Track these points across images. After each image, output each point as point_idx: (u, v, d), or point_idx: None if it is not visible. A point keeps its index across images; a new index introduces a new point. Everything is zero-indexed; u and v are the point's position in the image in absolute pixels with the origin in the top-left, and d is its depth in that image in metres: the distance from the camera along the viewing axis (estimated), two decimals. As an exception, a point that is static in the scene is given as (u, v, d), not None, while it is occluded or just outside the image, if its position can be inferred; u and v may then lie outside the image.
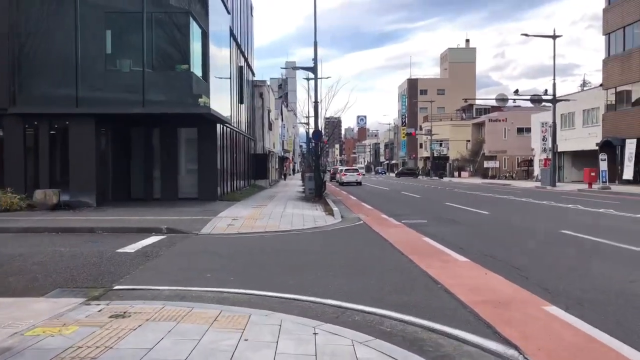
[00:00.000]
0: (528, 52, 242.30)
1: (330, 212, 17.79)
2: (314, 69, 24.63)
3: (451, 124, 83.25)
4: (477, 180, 56.31)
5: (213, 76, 19.90)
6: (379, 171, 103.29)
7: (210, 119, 20.73)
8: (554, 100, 37.37)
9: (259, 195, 27.74)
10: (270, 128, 44.56)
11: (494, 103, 76.08)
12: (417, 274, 7.56)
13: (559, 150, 48.24)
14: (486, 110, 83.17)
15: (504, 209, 19.25)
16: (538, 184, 42.57)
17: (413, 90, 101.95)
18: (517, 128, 63.30)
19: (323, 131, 24.69)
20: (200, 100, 18.04)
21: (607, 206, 19.28)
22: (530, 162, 59.38)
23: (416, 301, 5.98)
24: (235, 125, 28.30)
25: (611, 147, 36.99)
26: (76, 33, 18.05)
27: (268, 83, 43.00)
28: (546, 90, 37.46)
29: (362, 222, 15.30)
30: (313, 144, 24.68)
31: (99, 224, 13.57)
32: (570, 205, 20.14)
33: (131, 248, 9.94)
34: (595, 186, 32.54)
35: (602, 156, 31.70)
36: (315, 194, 24.18)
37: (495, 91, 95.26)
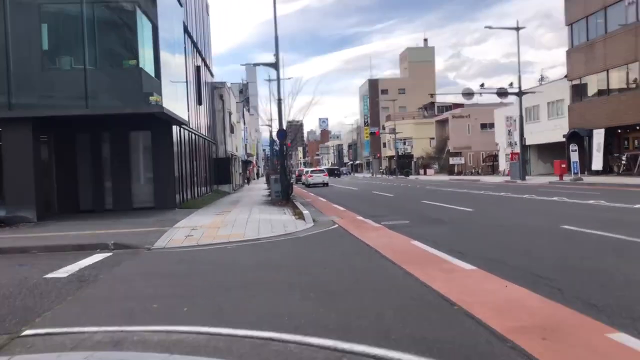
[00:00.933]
0: (482, 51, 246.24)
1: (300, 215, 16.22)
2: (275, 65, 23.04)
3: (414, 122, 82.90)
4: (444, 177, 55.65)
5: (166, 73, 18.08)
6: (344, 172, 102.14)
7: (165, 120, 18.91)
8: (520, 93, 36.77)
9: (222, 201, 25.95)
10: (232, 131, 42.70)
11: (455, 100, 76.33)
12: (421, 291, 6.06)
13: (525, 143, 48.03)
14: (448, 107, 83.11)
15: (487, 205, 18.04)
16: (507, 178, 41.96)
17: (374, 90, 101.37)
18: (481, 124, 63.08)
19: (287, 131, 23.21)
20: (151, 98, 16.22)
21: (592, 197, 18.30)
22: (495, 157, 59.13)
23: (434, 334, 4.47)
24: (193, 128, 26.44)
25: (578, 138, 36.59)
26: (6, 28, 15.98)
27: (229, 85, 41.19)
28: (511, 83, 36.81)
29: (337, 225, 13.79)
30: (277, 145, 23.10)
31: (34, 242, 11.65)
32: (555, 198, 19.10)
33: (65, 271, 8.15)
34: (566, 178, 31.93)
35: (573, 147, 31.09)
36: (282, 197, 22.58)
37: (452, 90, 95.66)
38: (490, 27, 36.08)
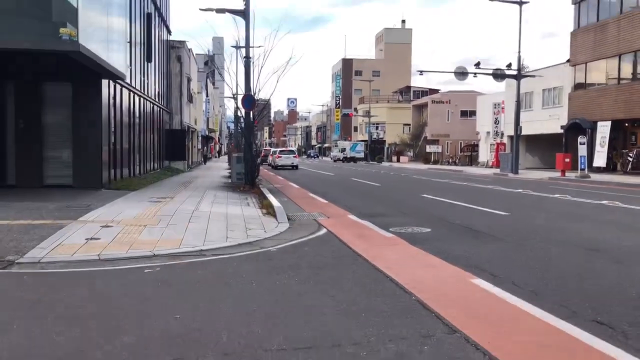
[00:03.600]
0: (456, 41, 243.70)
1: (269, 209, 11.65)
2: (244, 12, 18.18)
3: (388, 106, 78.73)
4: (421, 166, 51.70)
5: (89, 2, 13.09)
6: (311, 154, 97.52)
7: (92, 71, 13.93)
8: (519, 76, 32.78)
9: (169, 181, 21.05)
10: (190, 100, 37.50)
11: (432, 86, 72.33)
12: None
13: (510, 134, 44.34)
14: (424, 92, 79.24)
15: (514, 205, 13.75)
16: (493, 170, 38.20)
17: (348, 70, 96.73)
18: (461, 111, 59.33)
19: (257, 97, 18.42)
20: (62, 30, 11.23)
21: (634, 201, 14.31)
22: (473, 147, 55.55)
23: None
24: (138, 89, 21.40)
25: (579, 130, 32.93)
26: None
27: (189, 47, 35.94)
28: (510, 64, 32.80)
29: (324, 230, 9.27)
30: (243, 115, 18.34)
31: None
32: (591, 201, 15.00)
33: None
34: (569, 174, 28.21)
35: (581, 139, 27.29)
36: (246, 181, 17.94)
37: (425, 79, 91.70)
38: (491, 0, 31.82)
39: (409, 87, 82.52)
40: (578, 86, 33.75)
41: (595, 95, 31.83)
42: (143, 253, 6.96)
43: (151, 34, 23.99)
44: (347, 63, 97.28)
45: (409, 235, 8.73)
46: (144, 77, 23.07)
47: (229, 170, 28.11)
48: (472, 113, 56.86)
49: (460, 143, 58.12)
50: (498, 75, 33.03)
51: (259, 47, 66.28)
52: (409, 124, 70.81)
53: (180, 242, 7.70)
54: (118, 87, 17.35)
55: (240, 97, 18.51)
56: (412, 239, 8.26)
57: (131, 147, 20.00)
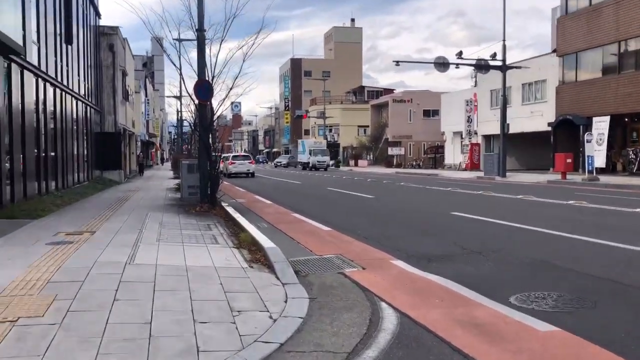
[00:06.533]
0: (396, 45, 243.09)
1: (254, 251, 7.05)
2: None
3: (342, 108, 74.62)
4: (385, 170, 47.77)
5: None
6: (260, 160, 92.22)
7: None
8: (504, 67, 29.26)
9: (98, 199, 15.81)
10: (127, 98, 31.94)
11: (387, 86, 68.72)
12: None
13: (485, 133, 41.11)
14: (379, 92, 75.74)
15: (602, 229, 9.57)
16: (478, 173, 34.60)
17: (297, 71, 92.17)
18: (424, 110, 55.87)
19: (215, 85, 13.47)
20: None
21: None
22: (437, 149, 52.18)
23: None
24: (54, 77, 16.15)
25: (570, 127, 29.74)
26: None
27: (123, 36, 30.43)
28: (494, 54, 29.20)
29: (388, 310, 4.69)
30: (195, 106, 13.43)
31: None
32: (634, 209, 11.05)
33: None
34: (571, 176, 24.75)
35: (588, 136, 23.80)
36: (202, 198, 13.07)
37: (365, 82, 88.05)
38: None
39: (362, 87, 78.93)
40: (567, 78, 30.48)
41: (589, 88, 28.59)
42: None
43: (70, 9, 18.65)
44: (295, 63, 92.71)
45: (550, 315, 4.28)
46: (62, 63, 17.78)
47: (176, 181, 23.03)
48: (435, 112, 53.56)
49: (424, 145, 54.65)
50: (482, 66, 29.39)
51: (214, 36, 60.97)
52: (365, 126, 67.00)
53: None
54: (16, 68, 12.15)
55: (191, 87, 13.57)
56: (580, 329, 3.82)
57: (42, 154, 14.72)
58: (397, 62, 28.08)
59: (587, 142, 23.59)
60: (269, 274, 6.03)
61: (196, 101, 13.34)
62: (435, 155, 52.35)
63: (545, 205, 13.63)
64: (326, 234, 9.24)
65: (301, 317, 4.48)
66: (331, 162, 55.28)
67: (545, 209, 12.74)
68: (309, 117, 74.94)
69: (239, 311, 4.57)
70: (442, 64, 28.62)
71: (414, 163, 53.10)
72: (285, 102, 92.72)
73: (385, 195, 18.04)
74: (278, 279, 5.77)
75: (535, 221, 10.11)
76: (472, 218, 11.02)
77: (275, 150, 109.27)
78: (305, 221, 10.92)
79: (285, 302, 4.92)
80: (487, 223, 10.22)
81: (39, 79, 14.47)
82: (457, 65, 28.76)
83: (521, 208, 13.03)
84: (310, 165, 51.60)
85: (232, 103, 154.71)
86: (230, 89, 13.02)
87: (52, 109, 16.32)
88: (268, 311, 4.62)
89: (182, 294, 4.98)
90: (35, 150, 14.19)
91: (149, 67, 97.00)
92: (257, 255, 6.92)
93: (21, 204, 11.72)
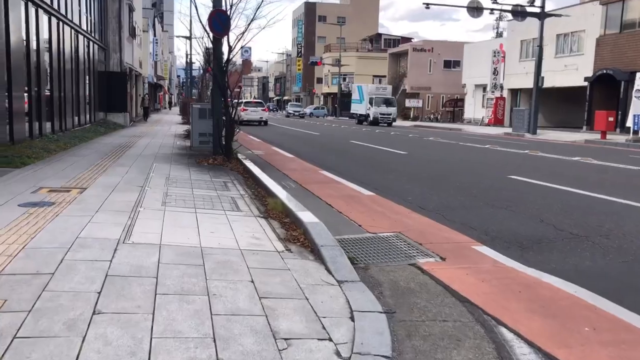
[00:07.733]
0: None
1: (288, 228, 5.38)
2: None
3: (357, 56, 71.61)
4: (404, 122, 45.60)
5: None
6: (271, 108, 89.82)
7: None
8: (543, 14, 26.74)
9: (98, 144, 14.08)
10: (133, 36, 29.78)
11: (405, 34, 65.38)
12: None
13: (511, 87, 38.66)
14: (397, 41, 72.46)
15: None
16: (505, 129, 32.63)
17: (311, 16, 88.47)
18: (444, 61, 53.12)
19: (231, 20, 11.47)
20: None
21: None
22: (456, 102, 49.85)
23: None
24: (57, 9, 14.18)
25: (609, 82, 27.51)
26: None
27: (129, -33, 27.99)
28: (533, 0, 26.68)
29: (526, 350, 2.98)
30: (211, 41, 11.51)
31: None
32: None
33: None
34: (611, 136, 22.83)
35: (637, 93, 21.68)
36: (216, 149, 11.35)
37: (381, 31, 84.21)
38: None
39: (379, 35, 75.65)
40: (610, 29, 27.98)
41: (635, 40, 26.17)
42: None
43: None
44: (309, 7, 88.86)
45: None
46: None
47: (185, 127, 21.33)
48: (457, 64, 50.90)
49: (442, 97, 52.24)
50: (519, 12, 26.90)
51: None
52: (381, 76, 64.27)
53: None
54: (25, 2, 10.23)
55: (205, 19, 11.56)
56: None
57: (33, 92, 12.93)
58: (427, 5, 25.63)
59: (636, 98, 21.48)
60: (314, 262, 4.37)
61: (211, 35, 11.40)
62: (454, 108, 50.09)
63: (615, 171, 11.82)
64: (369, 199, 7.53)
65: (387, 358, 2.82)
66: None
67: (619, 176, 10.94)
68: (324, 64, 72.14)
69: (285, 339, 2.91)
70: (475, 9, 26.17)
71: (432, 116, 50.90)
72: (297, 48, 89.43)
73: (419, 151, 16.21)
74: (329, 272, 4.11)
75: (623, 192, 8.35)
76: (538, 184, 9.26)
77: (286, 98, 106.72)
78: (339, 181, 9.20)
79: (352, 319, 3.26)
80: (561, 192, 8.46)
81: (29, 4, 12.52)
82: (492, 10, 26.33)
83: (588, 174, 11.22)
84: (371, 118, 39.13)
85: (242, 47, 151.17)
86: (252, 19, 10.97)
87: (48, 41, 14.41)
88: (330, 339, 2.96)
89: (197, 302, 3.31)
90: (26, 88, 12.40)
91: (158, 8, 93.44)
92: (293, 232, 5.24)
93: (5, 147, 10.03)
